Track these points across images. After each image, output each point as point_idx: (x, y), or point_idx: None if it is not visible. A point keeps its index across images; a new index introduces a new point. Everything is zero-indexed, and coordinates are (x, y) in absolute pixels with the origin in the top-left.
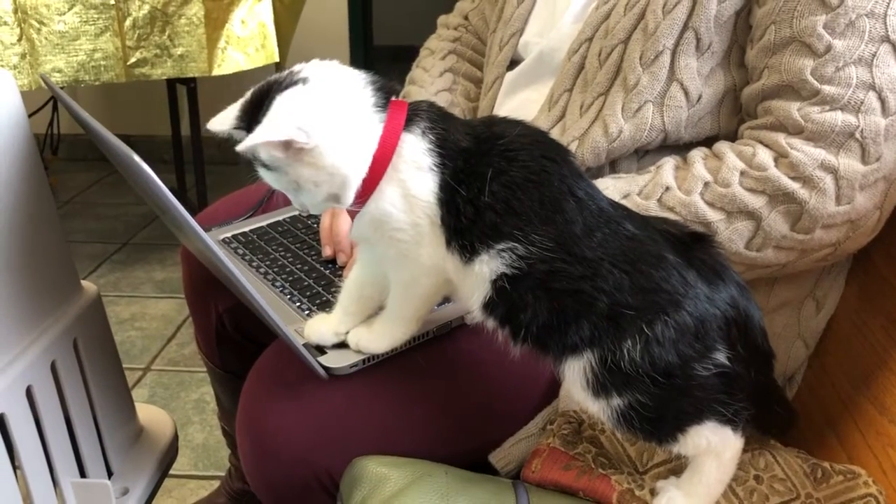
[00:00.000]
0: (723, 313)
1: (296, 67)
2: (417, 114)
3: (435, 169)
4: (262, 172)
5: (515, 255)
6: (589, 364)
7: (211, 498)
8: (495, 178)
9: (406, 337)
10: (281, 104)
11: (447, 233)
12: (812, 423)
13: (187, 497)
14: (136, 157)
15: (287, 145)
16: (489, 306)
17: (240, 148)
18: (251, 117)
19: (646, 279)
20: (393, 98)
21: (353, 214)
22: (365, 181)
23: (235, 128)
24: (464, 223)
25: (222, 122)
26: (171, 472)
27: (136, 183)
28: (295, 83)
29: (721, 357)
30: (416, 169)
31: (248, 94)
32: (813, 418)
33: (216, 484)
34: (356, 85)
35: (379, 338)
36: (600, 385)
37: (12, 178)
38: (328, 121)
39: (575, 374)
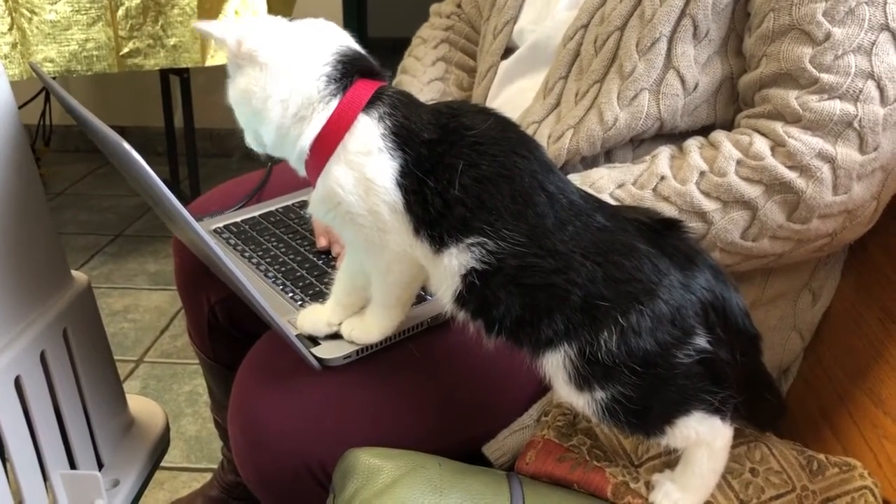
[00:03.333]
0: (699, 298)
1: (315, 19)
2: (380, 98)
3: (390, 154)
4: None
5: (486, 249)
6: (567, 357)
7: (203, 490)
8: (466, 172)
9: (394, 324)
10: (260, 20)
11: (414, 221)
12: (807, 415)
13: (179, 489)
14: (127, 146)
15: (225, 45)
16: (460, 300)
17: (193, 23)
18: None
19: (618, 270)
20: (371, 77)
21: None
22: (313, 154)
23: None
24: (432, 214)
25: None
26: (164, 464)
27: (128, 173)
28: (288, 21)
29: (701, 342)
30: (367, 153)
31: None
32: (808, 410)
33: (208, 476)
34: (328, 50)
35: (369, 328)
36: (582, 378)
37: (2, 167)
38: (265, 57)
39: (555, 369)
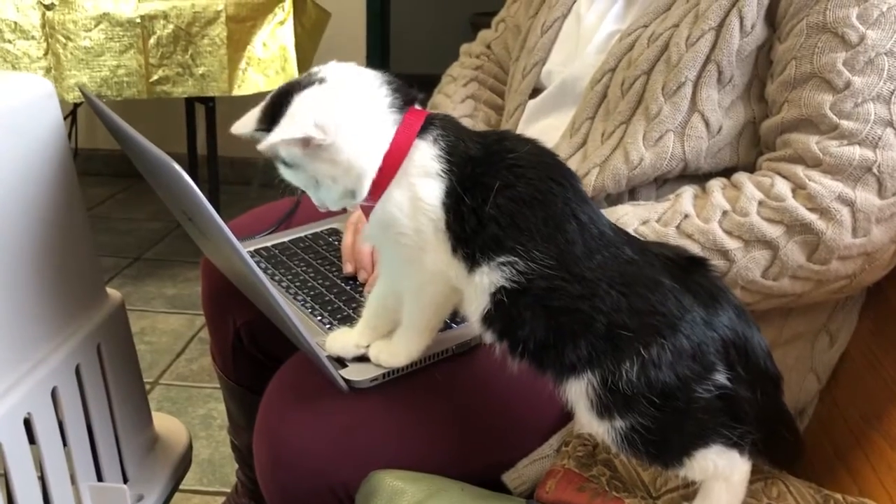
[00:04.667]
0: (721, 336)
1: (314, 69)
2: (433, 122)
3: (442, 175)
4: (282, 170)
5: (515, 269)
6: (591, 385)
7: None
8: (501, 192)
9: (421, 349)
10: (300, 103)
11: (453, 239)
12: (823, 456)
13: None
14: (176, 166)
15: (306, 142)
16: (488, 319)
17: (261, 147)
18: (272, 118)
19: (642, 302)
20: (414, 105)
21: (367, 212)
22: (375, 181)
23: (257, 130)
24: (467, 232)
25: (245, 125)
26: None
27: (171, 192)
28: (313, 83)
29: (721, 378)
30: (425, 174)
31: (269, 97)
32: (824, 451)
33: (221, 500)
34: (372, 84)
35: (397, 352)
36: (603, 406)
37: (49, 186)
38: (345, 118)
39: (577, 395)
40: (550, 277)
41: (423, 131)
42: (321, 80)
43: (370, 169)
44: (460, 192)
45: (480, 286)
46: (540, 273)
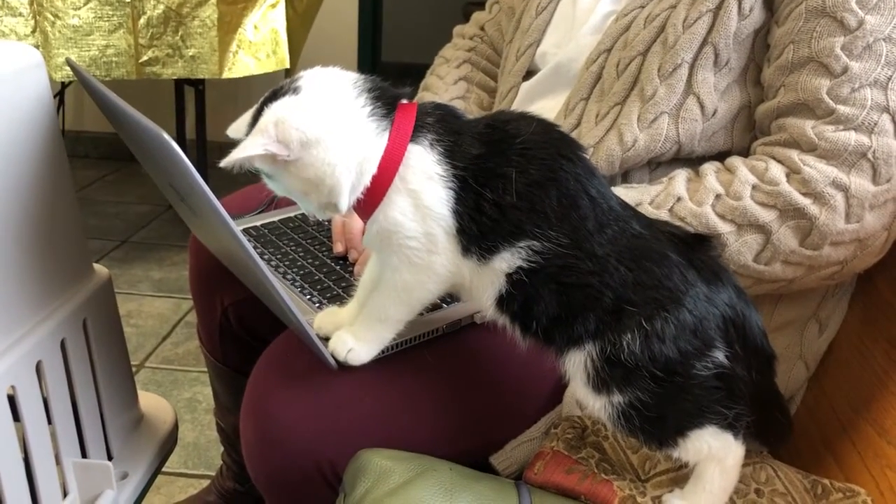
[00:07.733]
0: (721, 313)
1: (299, 73)
2: (424, 125)
3: (447, 179)
4: (265, 180)
5: (532, 250)
6: (589, 357)
7: (201, 496)
8: (518, 179)
9: (391, 337)
10: (268, 115)
11: (465, 241)
12: (810, 443)
13: (175, 494)
14: (167, 137)
15: (271, 157)
16: (502, 301)
17: (222, 163)
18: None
19: (648, 276)
20: (402, 102)
21: (365, 221)
22: (370, 191)
23: (246, 135)
24: (488, 225)
25: (238, 129)
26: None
27: (161, 166)
28: (287, 92)
29: (720, 355)
30: (427, 179)
31: (259, 102)
32: (811, 439)
33: (205, 483)
34: (353, 94)
35: (368, 345)
36: (601, 380)
37: (36, 156)
38: (314, 132)
39: (576, 368)
40: (564, 255)
41: (415, 134)
42: (295, 90)
43: (345, 185)
44: (477, 188)
45: (497, 270)
46: (555, 252)
